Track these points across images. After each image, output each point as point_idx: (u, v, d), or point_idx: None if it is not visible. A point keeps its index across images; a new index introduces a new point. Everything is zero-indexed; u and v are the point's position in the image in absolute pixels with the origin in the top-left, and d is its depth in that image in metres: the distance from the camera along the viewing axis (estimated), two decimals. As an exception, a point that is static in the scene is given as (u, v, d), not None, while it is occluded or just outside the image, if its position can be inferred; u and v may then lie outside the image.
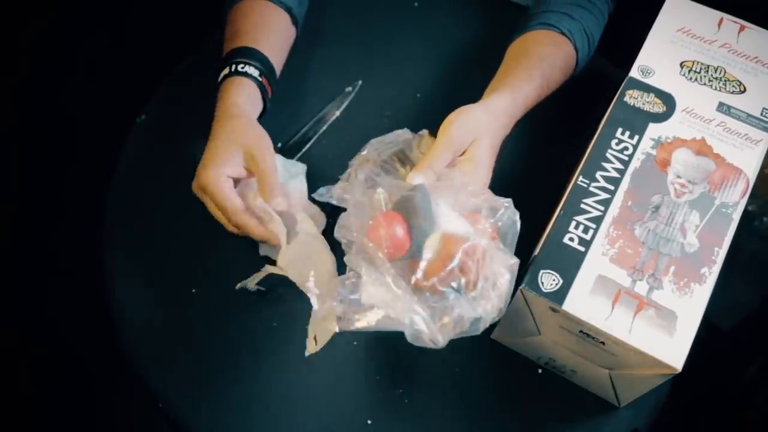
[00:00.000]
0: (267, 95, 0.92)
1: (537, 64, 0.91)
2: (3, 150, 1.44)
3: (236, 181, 0.85)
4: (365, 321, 0.69)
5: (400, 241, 0.69)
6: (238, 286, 0.86)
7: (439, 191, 0.73)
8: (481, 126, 0.81)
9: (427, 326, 0.67)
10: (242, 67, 0.90)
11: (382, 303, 0.68)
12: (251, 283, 0.86)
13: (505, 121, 0.85)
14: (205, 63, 1.08)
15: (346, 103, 1.02)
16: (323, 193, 0.77)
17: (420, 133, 0.83)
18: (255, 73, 0.90)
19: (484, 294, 0.68)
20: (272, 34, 0.95)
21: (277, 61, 0.95)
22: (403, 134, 0.82)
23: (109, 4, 1.47)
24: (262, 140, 0.85)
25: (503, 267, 0.69)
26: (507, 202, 0.73)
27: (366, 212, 0.72)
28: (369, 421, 0.81)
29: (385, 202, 0.72)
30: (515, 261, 0.70)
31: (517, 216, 0.72)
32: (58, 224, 1.47)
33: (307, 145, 0.97)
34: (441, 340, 0.67)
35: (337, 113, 1.00)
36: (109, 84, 1.47)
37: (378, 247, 0.69)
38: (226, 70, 0.90)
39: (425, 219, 0.69)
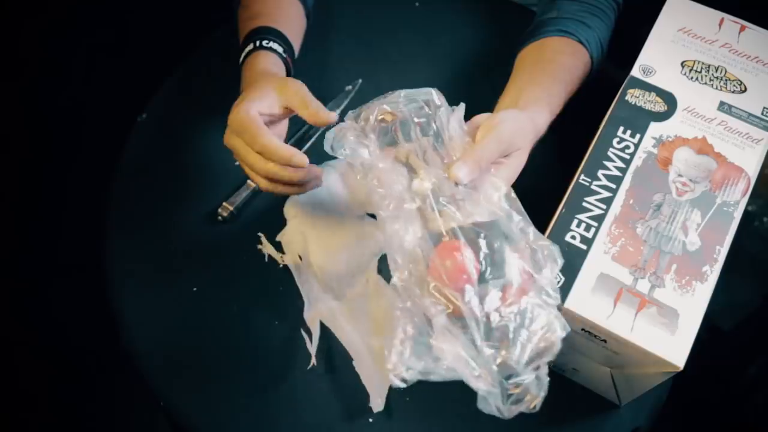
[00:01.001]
0: (290, 74, 0.92)
1: (564, 77, 0.90)
2: (5, 149, 1.44)
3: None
4: (431, 374, 0.64)
5: (467, 279, 0.65)
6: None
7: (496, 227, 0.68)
8: (528, 136, 0.80)
9: (501, 402, 0.63)
10: (267, 43, 0.89)
11: (455, 361, 0.63)
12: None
13: (539, 136, 0.84)
14: (205, 63, 1.09)
15: (346, 102, 1.02)
16: (330, 138, 0.75)
17: (456, 108, 0.75)
18: (279, 49, 0.90)
19: (543, 366, 0.64)
20: (290, 20, 0.96)
21: (295, 47, 0.95)
22: (430, 94, 0.75)
23: (109, 5, 1.47)
24: (296, 81, 0.82)
25: (558, 338, 0.64)
26: (558, 251, 0.68)
27: (400, 204, 0.69)
28: (370, 420, 0.81)
29: (432, 195, 0.69)
30: (567, 332, 0.65)
31: (561, 262, 0.68)
32: (61, 223, 1.47)
33: (307, 144, 0.97)
34: (507, 416, 0.64)
35: (338, 112, 1.00)
36: (110, 83, 1.47)
37: (439, 277, 0.65)
38: (250, 46, 0.89)
39: (495, 264, 0.65)
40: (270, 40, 0.89)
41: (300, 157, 0.77)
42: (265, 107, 0.80)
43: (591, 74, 0.95)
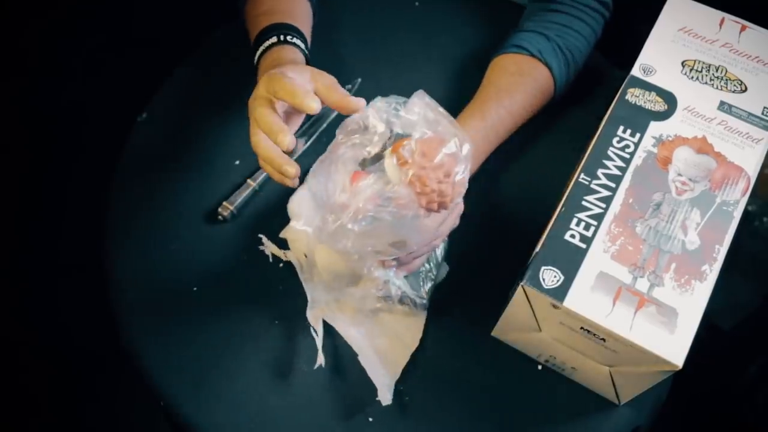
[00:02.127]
0: None
1: (499, 101, 0.92)
2: (7, 149, 1.44)
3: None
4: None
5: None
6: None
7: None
8: None
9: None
10: (291, 38, 0.88)
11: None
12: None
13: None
14: (205, 63, 1.09)
15: (346, 101, 1.02)
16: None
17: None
18: (302, 46, 0.89)
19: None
20: (303, 17, 0.95)
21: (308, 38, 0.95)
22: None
23: (110, 5, 1.47)
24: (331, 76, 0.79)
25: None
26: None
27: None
28: (370, 419, 0.81)
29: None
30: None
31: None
32: (61, 222, 1.47)
33: (307, 144, 0.97)
34: None
35: (336, 112, 1.00)
36: (110, 83, 1.47)
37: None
38: (274, 39, 0.88)
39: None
40: (294, 36, 0.89)
41: (284, 136, 0.73)
42: (298, 78, 0.76)
43: (557, 84, 0.95)
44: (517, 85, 0.93)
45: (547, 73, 0.94)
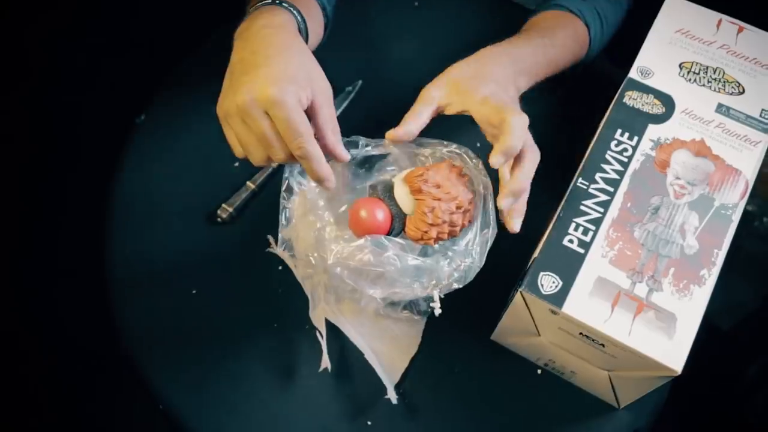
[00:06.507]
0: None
1: (541, 35, 0.91)
2: (7, 149, 1.44)
3: None
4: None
5: (380, 224, 0.76)
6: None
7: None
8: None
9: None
10: (287, 6, 0.83)
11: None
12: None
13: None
14: (205, 63, 1.09)
15: (346, 103, 1.02)
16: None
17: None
18: (299, 18, 0.84)
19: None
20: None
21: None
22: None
23: (110, 5, 1.46)
24: (329, 90, 0.78)
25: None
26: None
27: None
28: (369, 422, 0.81)
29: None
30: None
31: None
32: (60, 224, 1.47)
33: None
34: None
35: (338, 113, 1.00)
36: (110, 84, 1.47)
37: (358, 229, 0.77)
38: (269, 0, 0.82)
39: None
40: (289, 5, 0.83)
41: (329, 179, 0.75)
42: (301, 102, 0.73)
43: (591, 43, 0.96)
44: (555, 28, 0.93)
45: (584, 30, 0.95)
